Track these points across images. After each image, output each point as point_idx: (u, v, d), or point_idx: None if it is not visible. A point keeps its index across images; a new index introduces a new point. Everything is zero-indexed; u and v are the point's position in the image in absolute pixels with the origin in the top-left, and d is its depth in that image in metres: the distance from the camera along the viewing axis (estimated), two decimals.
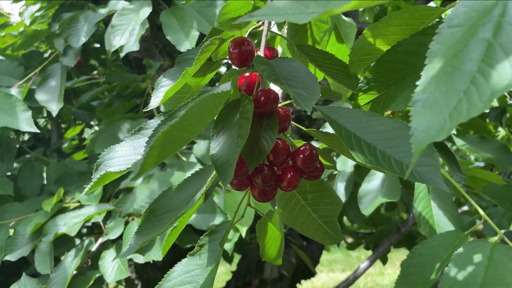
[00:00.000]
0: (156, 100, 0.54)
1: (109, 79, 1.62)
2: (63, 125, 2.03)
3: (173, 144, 0.41)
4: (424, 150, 0.43)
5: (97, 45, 2.00)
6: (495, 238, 0.64)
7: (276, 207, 0.61)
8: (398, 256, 3.62)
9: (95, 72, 1.93)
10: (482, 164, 2.32)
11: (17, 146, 1.53)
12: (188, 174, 1.17)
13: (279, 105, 0.50)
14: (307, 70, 0.46)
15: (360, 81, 0.52)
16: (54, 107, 1.28)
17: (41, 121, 2.12)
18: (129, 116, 1.46)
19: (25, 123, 1.10)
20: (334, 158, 1.07)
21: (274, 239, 0.64)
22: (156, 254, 0.57)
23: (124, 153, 0.50)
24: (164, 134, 0.39)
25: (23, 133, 2.00)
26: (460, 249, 0.58)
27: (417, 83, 0.30)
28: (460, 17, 0.31)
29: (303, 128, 0.54)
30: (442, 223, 0.79)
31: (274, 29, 0.66)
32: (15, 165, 1.58)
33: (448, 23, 0.31)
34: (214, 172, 0.51)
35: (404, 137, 0.44)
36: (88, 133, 2.30)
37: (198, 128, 0.43)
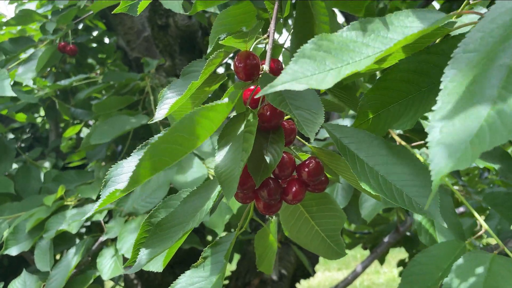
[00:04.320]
0: (161, 112, 0.54)
1: (106, 79, 1.59)
2: (61, 124, 2.02)
3: (164, 156, 0.41)
4: (423, 181, 0.43)
5: (94, 45, 1.99)
6: (495, 241, 0.65)
7: (274, 217, 0.61)
8: (394, 255, 3.63)
9: (93, 73, 1.92)
10: (481, 165, 2.31)
11: (15, 146, 1.52)
12: (188, 173, 1.17)
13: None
14: (313, 91, 0.45)
15: (360, 99, 0.52)
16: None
17: (39, 120, 2.11)
18: (126, 112, 1.45)
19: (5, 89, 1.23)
20: None
21: (271, 249, 0.64)
22: (155, 265, 0.57)
23: (132, 169, 0.49)
24: (153, 146, 0.40)
25: (21, 132, 1.99)
26: (460, 260, 0.58)
27: (433, 108, 0.29)
28: (477, 42, 0.31)
29: (307, 143, 0.54)
30: (443, 232, 0.79)
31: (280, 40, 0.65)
32: (14, 165, 1.57)
33: (463, 48, 0.31)
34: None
35: (404, 164, 0.44)
36: (85, 133, 2.28)
37: (193, 142, 0.43)
